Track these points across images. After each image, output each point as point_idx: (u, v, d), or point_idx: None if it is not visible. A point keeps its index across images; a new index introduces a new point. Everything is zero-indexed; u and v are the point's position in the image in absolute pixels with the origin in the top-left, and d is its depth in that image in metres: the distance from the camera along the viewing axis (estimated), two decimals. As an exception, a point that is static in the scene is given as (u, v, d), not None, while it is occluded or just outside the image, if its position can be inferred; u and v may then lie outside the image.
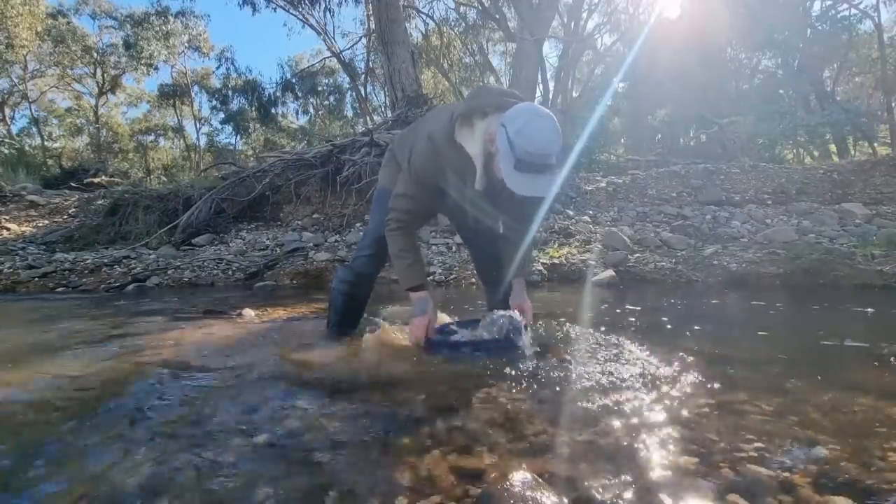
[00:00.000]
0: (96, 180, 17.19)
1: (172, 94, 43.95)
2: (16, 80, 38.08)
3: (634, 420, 1.95)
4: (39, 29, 34.98)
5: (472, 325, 3.39)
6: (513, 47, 29.08)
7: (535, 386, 2.39)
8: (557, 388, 2.35)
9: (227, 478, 1.59)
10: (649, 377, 2.49)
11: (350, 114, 43.03)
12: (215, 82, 44.17)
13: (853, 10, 22.85)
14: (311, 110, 43.59)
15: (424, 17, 30.78)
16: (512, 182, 2.65)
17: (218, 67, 42.67)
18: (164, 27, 40.17)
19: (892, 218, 10.06)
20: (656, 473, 1.57)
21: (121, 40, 41.00)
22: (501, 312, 3.23)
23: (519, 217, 3.34)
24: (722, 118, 22.15)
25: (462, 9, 31.23)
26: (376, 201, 3.61)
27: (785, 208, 11.44)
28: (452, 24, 32.02)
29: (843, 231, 9.12)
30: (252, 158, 30.52)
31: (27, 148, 35.48)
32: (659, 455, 1.68)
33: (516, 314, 3.18)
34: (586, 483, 1.51)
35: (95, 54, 41.06)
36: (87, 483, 1.58)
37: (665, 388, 2.32)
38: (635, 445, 1.75)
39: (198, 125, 46.45)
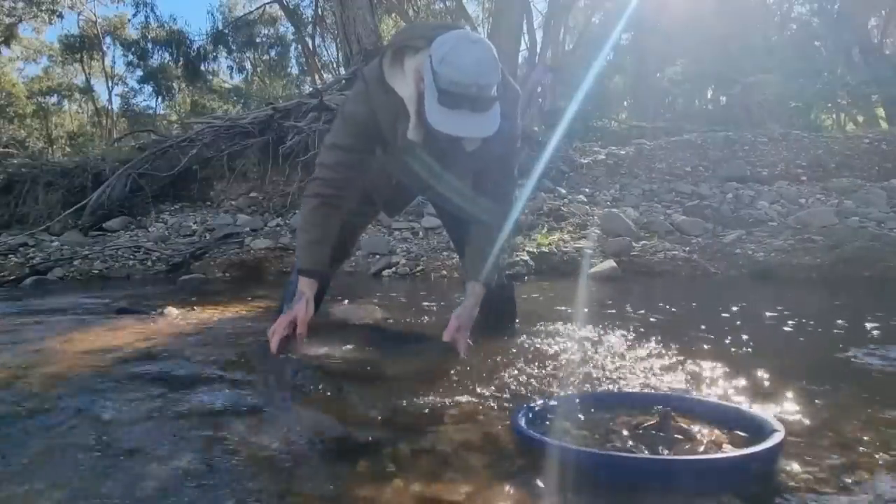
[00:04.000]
0: (-14, 151, 17.01)
1: (79, 48, 43.45)
2: None
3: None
4: None
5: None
6: (493, -10, 29.04)
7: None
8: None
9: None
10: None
11: (295, 71, 42.94)
12: (132, 33, 43.72)
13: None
14: (248, 67, 43.37)
15: (386, -48, 30.69)
16: (435, 119, 2.61)
17: (135, 15, 42.00)
18: (69, -36, 39.71)
19: (951, 196, 10.13)
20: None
21: (16, -20, 40.50)
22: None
23: (477, 183, 3.26)
24: (746, 76, 22.26)
25: (432, -58, 31.15)
26: None
27: (822, 185, 11.52)
28: (420, -40, 31.93)
29: (894, 213, 9.17)
30: (176, 125, 30.34)
31: None
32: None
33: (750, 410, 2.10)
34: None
35: (-17, -2, 40.53)
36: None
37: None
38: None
39: (110, 84, 46.04)
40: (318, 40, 36.96)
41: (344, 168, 3.08)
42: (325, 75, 33.69)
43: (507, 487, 1.66)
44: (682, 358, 3.00)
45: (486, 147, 2.89)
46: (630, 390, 2.46)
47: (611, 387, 2.55)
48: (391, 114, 2.92)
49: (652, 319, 4.33)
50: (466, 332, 3.15)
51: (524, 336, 3.54)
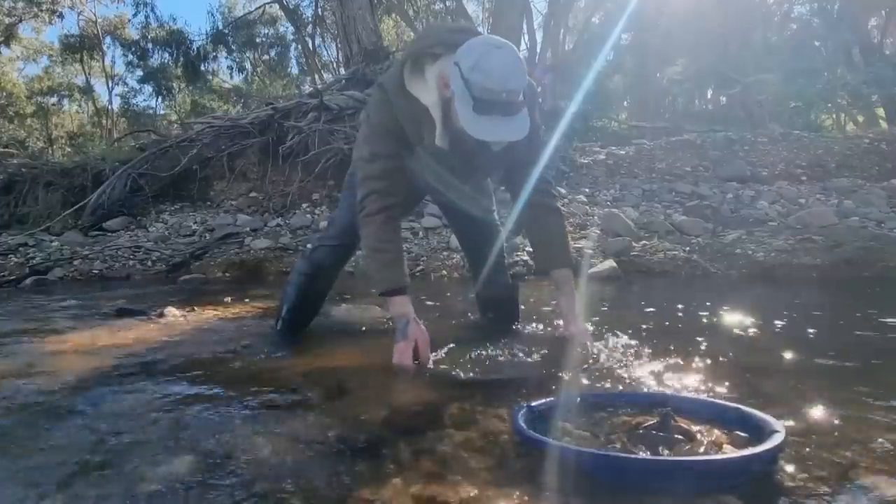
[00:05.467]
0: (-14, 151, 17.00)
1: (79, 48, 43.34)
2: None
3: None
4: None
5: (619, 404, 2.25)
6: (493, -10, 29.00)
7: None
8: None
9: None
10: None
11: (295, 71, 42.86)
12: (132, 33, 43.57)
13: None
14: (248, 67, 43.22)
15: (386, -47, 30.62)
16: (472, 127, 2.66)
17: (135, 15, 41.69)
18: (69, -36, 39.59)
19: (952, 196, 10.12)
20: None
21: (16, -20, 40.34)
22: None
23: (508, 180, 3.39)
24: (746, 76, 22.22)
25: (432, -57, 31.12)
26: (349, 185, 3.59)
27: (822, 185, 11.52)
28: (420, -39, 31.90)
29: (894, 213, 9.16)
30: (176, 125, 30.30)
31: None
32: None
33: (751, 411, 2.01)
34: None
35: (-16, -1, 40.38)
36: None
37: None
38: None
39: (110, 84, 45.96)
40: (318, 40, 36.99)
41: (391, 174, 3.10)
42: (325, 75, 33.66)
43: (507, 488, 1.65)
44: (682, 358, 2.99)
45: (511, 145, 2.92)
46: (630, 390, 2.46)
47: (611, 387, 2.55)
48: (413, 120, 2.95)
49: (652, 319, 4.32)
50: (582, 322, 3.46)
51: (525, 336, 3.54)
